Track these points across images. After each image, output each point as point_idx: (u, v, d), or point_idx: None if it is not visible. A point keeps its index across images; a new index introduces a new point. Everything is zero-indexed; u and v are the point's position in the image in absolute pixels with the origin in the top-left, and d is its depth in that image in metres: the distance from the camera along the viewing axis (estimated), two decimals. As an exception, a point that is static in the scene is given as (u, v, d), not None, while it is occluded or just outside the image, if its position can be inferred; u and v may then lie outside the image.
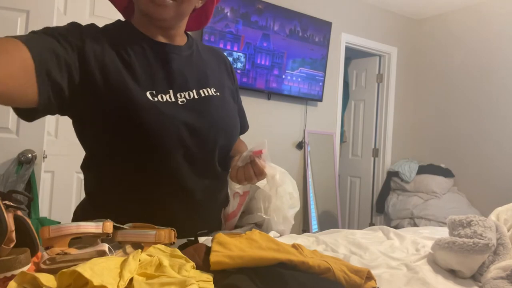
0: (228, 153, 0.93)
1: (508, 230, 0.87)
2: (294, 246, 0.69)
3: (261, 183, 0.93)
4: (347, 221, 4.31)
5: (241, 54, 3.02)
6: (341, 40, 3.75)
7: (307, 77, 3.41)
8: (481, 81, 3.70)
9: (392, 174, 4.00)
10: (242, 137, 1.06)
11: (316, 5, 3.56)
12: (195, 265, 0.56)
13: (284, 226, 0.98)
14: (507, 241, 0.82)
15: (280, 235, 0.96)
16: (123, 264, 0.50)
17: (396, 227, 2.89)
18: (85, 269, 0.45)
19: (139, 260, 0.52)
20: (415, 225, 3.52)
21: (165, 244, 0.62)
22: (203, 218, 0.90)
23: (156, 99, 0.78)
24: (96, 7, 2.30)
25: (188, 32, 0.96)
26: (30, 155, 1.78)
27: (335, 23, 3.59)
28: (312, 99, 3.48)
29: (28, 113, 0.69)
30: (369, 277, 0.62)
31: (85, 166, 0.87)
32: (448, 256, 0.78)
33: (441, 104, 4.04)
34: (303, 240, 0.97)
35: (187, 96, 0.84)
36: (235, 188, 0.93)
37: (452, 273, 0.79)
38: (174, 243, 0.65)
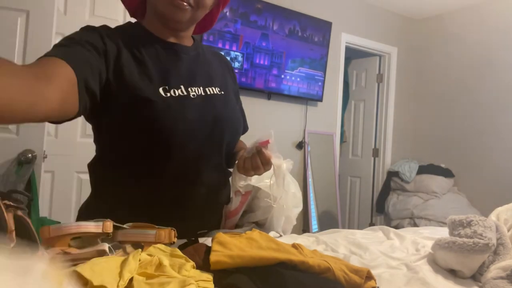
0: (232, 150, 0.96)
1: (508, 230, 0.87)
2: (294, 246, 0.69)
3: (263, 182, 0.94)
4: (347, 221, 4.31)
5: (238, 53, 3.02)
6: (341, 40, 3.75)
7: (306, 76, 3.41)
8: (481, 81, 3.70)
9: (392, 174, 4.00)
10: (242, 138, 1.07)
11: (316, 5, 3.56)
12: (195, 265, 0.56)
13: (286, 225, 0.98)
14: (507, 241, 0.82)
15: (281, 235, 0.96)
16: (123, 264, 0.50)
17: (396, 227, 2.89)
18: (85, 269, 0.45)
19: (139, 260, 0.52)
20: (415, 225, 3.52)
21: (165, 244, 0.62)
22: (205, 211, 0.92)
23: (168, 94, 0.82)
24: (96, 7, 2.30)
25: (193, 36, 0.99)
26: (30, 155, 1.78)
27: (335, 23, 3.59)
28: (312, 99, 3.48)
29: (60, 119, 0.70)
30: (369, 277, 0.62)
31: (95, 165, 0.89)
32: (448, 256, 0.78)
33: (441, 104, 4.04)
34: (303, 240, 0.97)
35: (196, 92, 0.87)
36: (237, 186, 0.93)
37: (452, 273, 0.79)
38: (174, 242, 0.65)
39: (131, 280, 0.48)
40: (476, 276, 0.78)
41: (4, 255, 0.28)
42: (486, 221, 0.84)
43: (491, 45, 3.64)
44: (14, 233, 0.48)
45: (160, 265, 0.52)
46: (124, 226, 0.66)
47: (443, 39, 4.05)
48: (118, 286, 0.46)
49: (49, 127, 2.08)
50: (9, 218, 0.47)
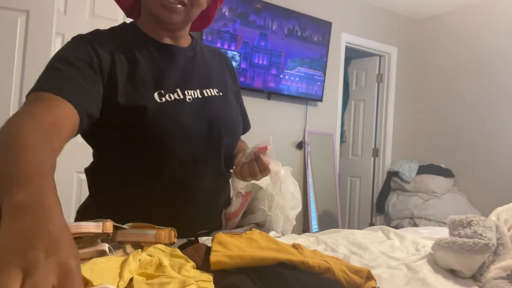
0: (231, 152, 0.95)
1: (508, 230, 0.87)
2: (294, 246, 0.69)
3: (264, 183, 0.94)
4: (347, 221, 4.30)
5: (236, 53, 3.02)
6: (341, 40, 3.75)
7: (305, 76, 3.41)
8: (481, 81, 3.70)
9: (392, 174, 4.00)
10: (243, 137, 1.07)
11: (316, 5, 3.56)
12: (195, 265, 0.56)
13: (286, 226, 0.98)
14: (507, 241, 0.82)
15: (281, 235, 0.96)
16: (123, 264, 0.50)
17: (396, 227, 2.89)
18: (85, 270, 0.45)
19: (139, 260, 0.52)
20: (415, 225, 3.52)
21: (165, 244, 0.62)
22: (204, 217, 0.91)
23: (163, 99, 0.80)
24: (96, 7, 2.30)
25: (191, 34, 0.97)
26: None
27: (335, 23, 3.59)
28: (311, 99, 3.48)
29: None
30: (369, 277, 0.62)
31: (91, 170, 0.88)
32: (448, 256, 0.78)
33: (441, 104, 4.04)
34: (303, 240, 0.97)
35: (192, 95, 0.86)
36: (238, 187, 0.93)
37: (452, 273, 0.79)
38: (174, 243, 0.65)
39: (131, 280, 0.48)
40: (476, 276, 0.78)
41: None
42: (486, 221, 0.84)
43: (491, 45, 3.64)
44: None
45: (160, 265, 0.52)
46: (124, 226, 0.65)
47: (443, 39, 4.05)
48: (118, 286, 0.46)
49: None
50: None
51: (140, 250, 0.57)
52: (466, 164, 3.77)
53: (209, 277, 0.54)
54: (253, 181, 0.93)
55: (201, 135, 0.85)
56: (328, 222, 3.58)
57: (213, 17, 0.99)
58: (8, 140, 0.51)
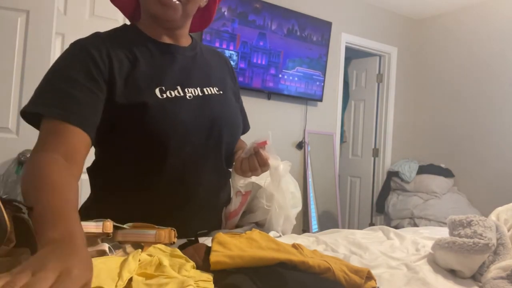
0: (232, 150, 0.96)
1: (508, 230, 0.87)
2: (294, 246, 0.69)
3: (263, 181, 0.94)
4: (347, 221, 4.30)
5: (233, 52, 3.01)
6: (341, 40, 3.75)
7: (304, 76, 3.40)
8: (481, 81, 3.70)
9: (392, 174, 4.00)
10: (243, 137, 1.07)
11: (316, 5, 3.56)
12: (195, 265, 0.56)
13: (286, 226, 0.98)
14: (507, 241, 0.82)
15: (281, 235, 0.96)
16: (122, 264, 0.50)
17: (396, 227, 2.89)
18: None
19: (139, 260, 0.52)
20: (415, 225, 3.52)
21: (165, 244, 0.62)
22: (204, 215, 0.91)
23: (164, 95, 0.81)
24: (96, 7, 2.30)
25: (191, 35, 0.98)
26: (30, 155, 1.77)
27: (335, 23, 3.59)
28: (312, 99, 3.48)
29: None
30: (369, 277, 0.62)
31: (93, 170, 0.88)
32: (448, 256, 0.78)
33: (441, 104, 4.04)
34: (303, 240, 0.97)
35: (193, 92, 0.86)
36: (237, 186, 0.93)
37: (452, 273, 0.79)
38: (174, 243, 0.65)
39: (130, 280, 0.48)
40: (476, 276, 0.78)
41: None
42: (486, 221, 0.84)
43: (492, 45, 3.64)
44: (13, 233, 0.48)
45: (160, 265, 0.52)
46: (124, 226, 0.65)
47: (443, 39, 4.05)
48: (116, 286, 0.46)
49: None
50: (8, 218, 0.47)
51: (140, 250, 0.57)
52: (466, 164, 3.77)
53: (209, 277, 0.54)
54: (252, 179, 0.93)
55: (201, 132, 0.85)
56: (328, 222, 3.58)
57: (213, 15, 0.99)
58: (35, 181, 0.60)
